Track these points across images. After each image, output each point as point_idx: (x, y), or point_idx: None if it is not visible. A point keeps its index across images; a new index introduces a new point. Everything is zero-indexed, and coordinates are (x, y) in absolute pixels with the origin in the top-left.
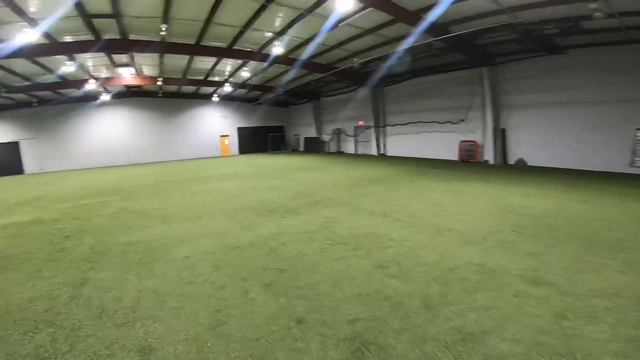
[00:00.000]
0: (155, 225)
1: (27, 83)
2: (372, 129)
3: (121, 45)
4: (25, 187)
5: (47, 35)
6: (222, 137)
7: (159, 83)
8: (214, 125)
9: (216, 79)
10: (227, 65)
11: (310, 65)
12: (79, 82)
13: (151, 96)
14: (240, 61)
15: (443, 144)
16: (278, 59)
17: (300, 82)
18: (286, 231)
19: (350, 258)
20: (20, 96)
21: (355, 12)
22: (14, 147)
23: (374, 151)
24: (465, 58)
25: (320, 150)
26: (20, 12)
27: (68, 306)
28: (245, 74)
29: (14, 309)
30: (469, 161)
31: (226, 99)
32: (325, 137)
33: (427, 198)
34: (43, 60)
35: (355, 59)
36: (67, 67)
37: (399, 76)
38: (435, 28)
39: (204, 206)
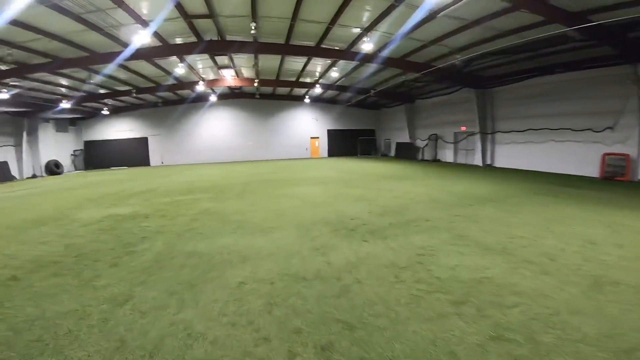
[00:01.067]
0: (226, 234)
1: (151, 85)
2: (477, 136)
3: (220, 46)
4: (146, 179)
5: (159, 37)
6: (313, 139)
7: (255, 84)
8: (305, 126)
9: (307, 80)
10: (317, 65)
11: (404, 64)
12: (191, 84)
13: (250, 97)
14: (329, 61)
15: (576, 157)
16: (367, 58)
17: (392, 83)
18: (366, 262)
19: (452, 319)
20: (148, 97)
21: (457, 1)
22: (143, 141)
23: (478, 161)
24: (612, 52)
25: (413, 157)
26: (134, 14)
27: (90, 332)
28: (334, 74)
29: (39, 326)
30: (614, 179)
31: (317, 101)
32: (420, 143)
33: (570, 231)
34: (160, 62)
35: (457, 56)
36: (180, 69)
37: (514, 75)
38: (569, 16)
39: (281, 215)
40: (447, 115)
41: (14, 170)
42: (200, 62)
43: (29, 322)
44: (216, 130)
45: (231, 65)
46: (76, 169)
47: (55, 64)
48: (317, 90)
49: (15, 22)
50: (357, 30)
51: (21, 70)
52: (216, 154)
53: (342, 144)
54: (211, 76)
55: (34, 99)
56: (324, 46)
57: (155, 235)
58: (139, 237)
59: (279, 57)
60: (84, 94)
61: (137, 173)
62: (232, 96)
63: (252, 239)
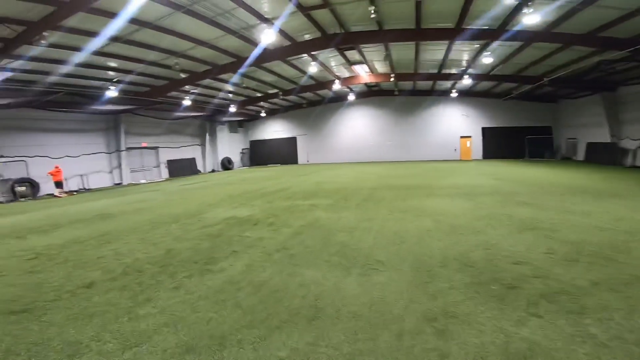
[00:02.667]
0: (319, 262)
1: (293, 86)
2: None
3: (344, 39)
4: (285, 177)
5: (286, 35)
6: (463, 139)
7: (391, 79)
8: (453, 124)
9: (452, 71)
10: (463, 52)
11: (596, 40)
12: (328, 83)
13: (388, 95)
14: (476, 44)
15: None
16: (533, 36)
17: (577, 67)
18: None
19: None
20: (293, 98)
21: None
22: (292, 141)
23: None
24: None
25: (614, 162)
26: (256, 13)
27: None
28: (487, 60)
29: None
30: None
31: (467, 95)
32: (629, 144)
33: None
34: (296, 62)
35: None
36: (313, 68)
37: None
38: None
39: (399, 241)
40: None
41: (199, 166)
42: (333, 60)
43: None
44: (355, 129)
45: (363, 60)
46: (243, 165)
47: (215, 71)
48: (466, 81)
49: (169, 31)
50: (512, 1)
51: (192, 78)
52: (355, 154)
53: (502, 144)
54: (346, 74)
55: (210, 104)
56: (466, 27)
57: (246, 251)
58: (229, 251)
59: (412, 46)
60: (245, 99)
61: (283, 171)
62: (370, 94)
63: (344, 279)
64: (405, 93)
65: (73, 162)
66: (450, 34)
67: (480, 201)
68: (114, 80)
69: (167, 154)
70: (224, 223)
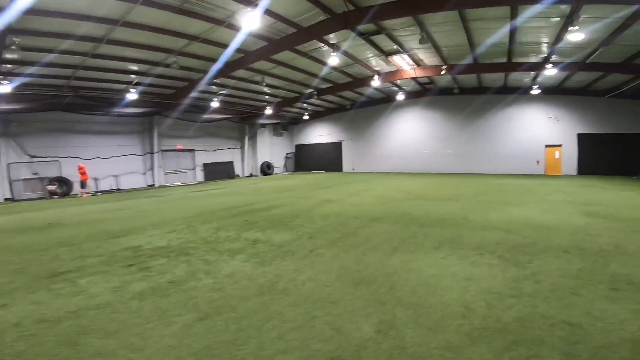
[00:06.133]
0: None
1: (329, 85)
2: None
3: (358, 17)
4: (302, 190)
5: (289, 22)
6: (549, 148)
7: (443, 72)
8: (536, 130)
9: (529, 59)
10: (537, 30)
11: None
12: (366, 80)
13: (447, 94)
14: (556, 18)
15: None
16: None
17: None
18: None
19: None
20: (336, 99)
21: None
22: (337, 146)
23: None
24: None
25: None
26: None
27: None
28: (575, 37)
29: None
30: None
31: (555, 92)
32: None
33: None
34: (315, 54)
35: None
36: (334, 59)
37: None
38: None
39: None
40: None
41: (237, 170)
42: (364, 51)
43: None
44: (406, 134)
45: (400, 49)
46: (287, 170)
47: (224, 69)
48: (550, 72)
49: (142, 26)
50: None
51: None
52: (407, 163)
53: (605, 156)
54: (386, 68)
55: (247, 106)
56: None
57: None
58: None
59: (457, 23)
60: (281, 100)
61: (316, 180)
62: (424, 93)
63: None
64: (469, 91)
65: (106, 163)
66: None
67: (533, 272)
68: (134, 82)
69: (204, 157)
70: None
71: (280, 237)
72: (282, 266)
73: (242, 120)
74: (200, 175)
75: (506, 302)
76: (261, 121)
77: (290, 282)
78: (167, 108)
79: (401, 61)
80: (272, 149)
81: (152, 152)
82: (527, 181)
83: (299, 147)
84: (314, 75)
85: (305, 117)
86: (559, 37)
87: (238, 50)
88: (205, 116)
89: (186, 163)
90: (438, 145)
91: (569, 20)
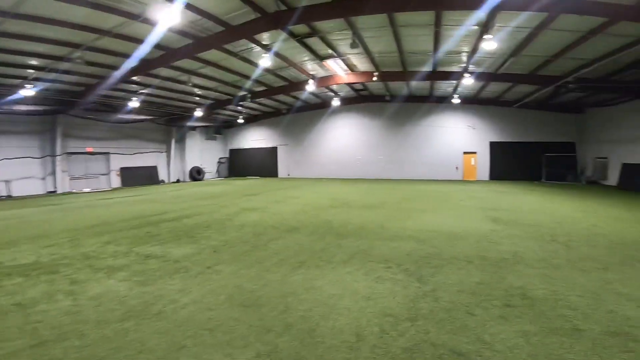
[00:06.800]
0: None
1: (264, 88)
2: None
3: (287, 17)
4: (228, 197)
5: (217, 20)
6: (467, 155)
7: (375, 79)
8: (456, 138)
9: (452, 69)
10: (457, 39)
11: None
12: (302, 84)
13: (379, 100)
14: (474, 26)
15: None
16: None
17: (619, 59)
18: None
19: None
20: (271, 103)
21: None
22: (273, 151)
23: None
24: None
25: None
26: None
27: None
28: (489, 46)
29: None
30: None
31: (473, 102)
32: None
33: None
34: (248, 55)
35: None
36: (265, 60)
37: None
38: None
39: None
40: None
41: (163, 174)
42: (299, 54)
43: None
44: (341, 140)
45: (334, 53)
46: (219, 176)
47: (141, 66)
48: (468, 81)
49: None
50: None
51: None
52: (341, 169)
53: (513, 162)
54: (321, 73)
55: (174, 108)
56: None
57: None
58: None
59: (387, 30)
60: (212, 102)
61: (245, 186)
62: (358, 100)
63: None
64: (399, 99)
65: None
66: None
67: (433, 288)
68: (31, 78)
69: (122, 161)
70: None
71: (180, 251)
72: (167, 286)
73: (169, 122)
74: (116, 181)
75: (400, 327)
76: (191, 124)
77: (169, 304)
78: (74, 106)
79: (335, 66)
80: (203, 153)
81: (53, 155)
82: (447, 187)
83: (233, 152)
84: (247, 77)
85: (240, 121)
86: (476, 47)
87: (158, 47)
88: (123, 117)
89: (99, 167)
90: (371, 152)
91: (484, 29)
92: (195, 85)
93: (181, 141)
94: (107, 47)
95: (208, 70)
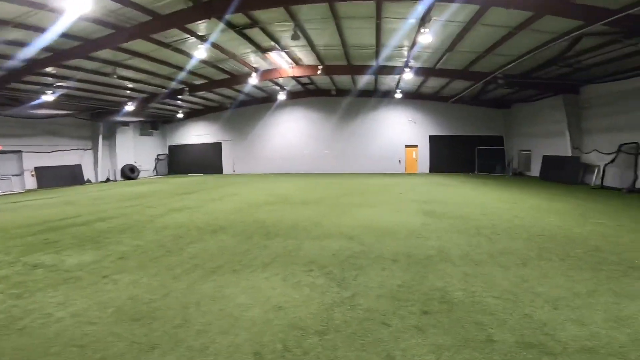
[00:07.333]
0: None
1: (204, 81)
2: None
3: (224, 5)
4: (156, 198)
5: (143, 9)
6: (408, 148)
7: (319, 72)
8: (398, 132)
9: (396, 63)
10: (398, 32)
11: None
12: (244, 77)
13: (325, 95)
14: (412, 19)
15: None
16: None
17: (541, 56)
18: None
19: None
20: (214, 97)
21: None
22: (217, 147)
23: None
24: None
25: (575, 181)
26: None
27: None
28: (425, 39)
29: None
30: None
31: (414, 97)
32: (594, 159)
33: None
34: (183, 47)
35: None
36: (200, 52)
37: None
38: None
39: None
40: None
41: (89, 174)
42: (238, 45)
43: None
44: (287, 135)
45: (276, 45)
46: (158, 174)
47: (54, 57)
48: (408, 76)
49: None
50: None
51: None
52: (288, 164)
53: (450, 155)
54: (265, 65)
55: (100, 102)
56: None
57: None
58: None
59: (330, 21)
60: (146, 95)
61: (184, 185)
62: (305, 94)
63: None
64: (345, 93)
65: None
66: None
67: (353, 294)
68: None
69: (37, 160)
70: None
71: (78, 259)
72: (46, 298)
73: (95, 117)
74: (32, 182)
75: (306, 343)
76: (122, 118)
77: (41, 318)
78: None
79: (279, 59)
80: (138, 150)
81: None
82: (389, 180)
83: (173, 148)
84: (183, 70)
85: (180, 116)
86: (415, 41)
87: (73, 37)
88: (37, 112)
89: (9, 168)
90: (318, 146)
91: (422, 22)
92: (122, 78)
93: (110, 138)
94: (7, 38)
95: (137, 62)
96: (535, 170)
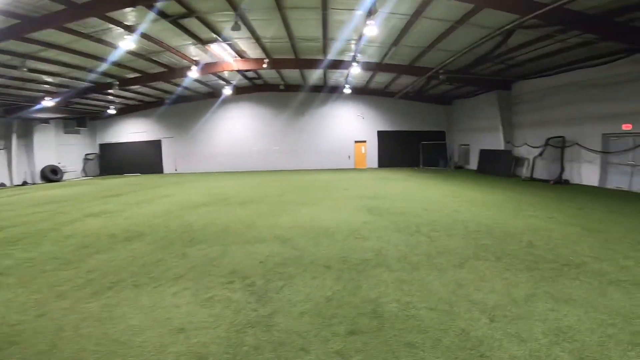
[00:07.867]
0: None
1: (137, 75)
2: None
3: None
4: (80, 203)
5: None
6: (357, 144)
7: (265, 65)
8: (348, 127)
9: (344, 57)
10: (345, 25)
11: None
12: (184, 70)
13: (273, 90)
14: (359, 10)
15: None
16: None
17: (478, 50)
18: None
19: None
20: (151, 91)
21: None
22: (157, 145)
23: None
24: None
25: (508, 173)
26: None
27: None
28: (371, 31)
29: None
30: None
31: (362, 92)
32: (524, 152)
33: None
34: (107, 38)
35: None
36: (127, 43)
37: None
38: None
39: None
40: (588, 105)
41: (3, 177)
42: (173, 35)
43: None
44: (235, 131)
45: (218, 37)
46: (87, 175)
47: None
48: (356, 70)
49: None
50: None
51: None
52: (235, 162)
53: (397, 150)
54: (206, 59)
55: (10, 97)
56: None
57: None
58: None
59: (275, 11)
60: (67, 90)
61: (118, 185)
62: (252, 89)
63: None
64: (294, 88)
65: None
66: None
67: (273, 310)
68: None
69: None
70: None
71: None
72: None
73: (5, 114)
74: None
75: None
76: (40, 115)
77: None
78: None
79: (222, 51)
80: (61, 149)
81: None
82: (337, 176)
83: (105, 147)
84: (108, 62)
85: (112, 112)
86: (361, 34)
87: None
88: None
89: None
90: (267, 142)
91: (368, 14)
92: (35, 71)
93: (27, 136)
94: None
95: (53, 54)
96: (474, 163)
